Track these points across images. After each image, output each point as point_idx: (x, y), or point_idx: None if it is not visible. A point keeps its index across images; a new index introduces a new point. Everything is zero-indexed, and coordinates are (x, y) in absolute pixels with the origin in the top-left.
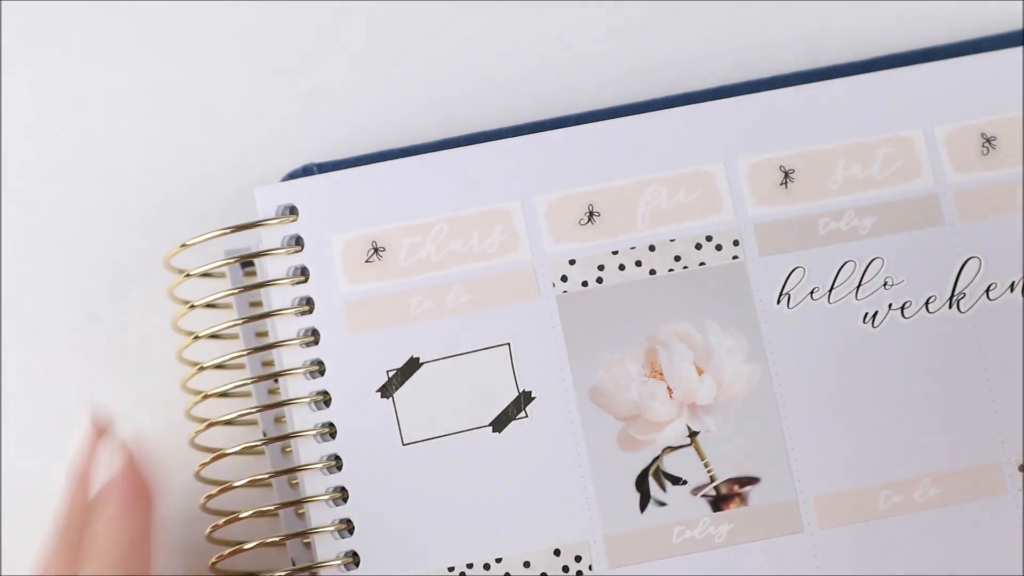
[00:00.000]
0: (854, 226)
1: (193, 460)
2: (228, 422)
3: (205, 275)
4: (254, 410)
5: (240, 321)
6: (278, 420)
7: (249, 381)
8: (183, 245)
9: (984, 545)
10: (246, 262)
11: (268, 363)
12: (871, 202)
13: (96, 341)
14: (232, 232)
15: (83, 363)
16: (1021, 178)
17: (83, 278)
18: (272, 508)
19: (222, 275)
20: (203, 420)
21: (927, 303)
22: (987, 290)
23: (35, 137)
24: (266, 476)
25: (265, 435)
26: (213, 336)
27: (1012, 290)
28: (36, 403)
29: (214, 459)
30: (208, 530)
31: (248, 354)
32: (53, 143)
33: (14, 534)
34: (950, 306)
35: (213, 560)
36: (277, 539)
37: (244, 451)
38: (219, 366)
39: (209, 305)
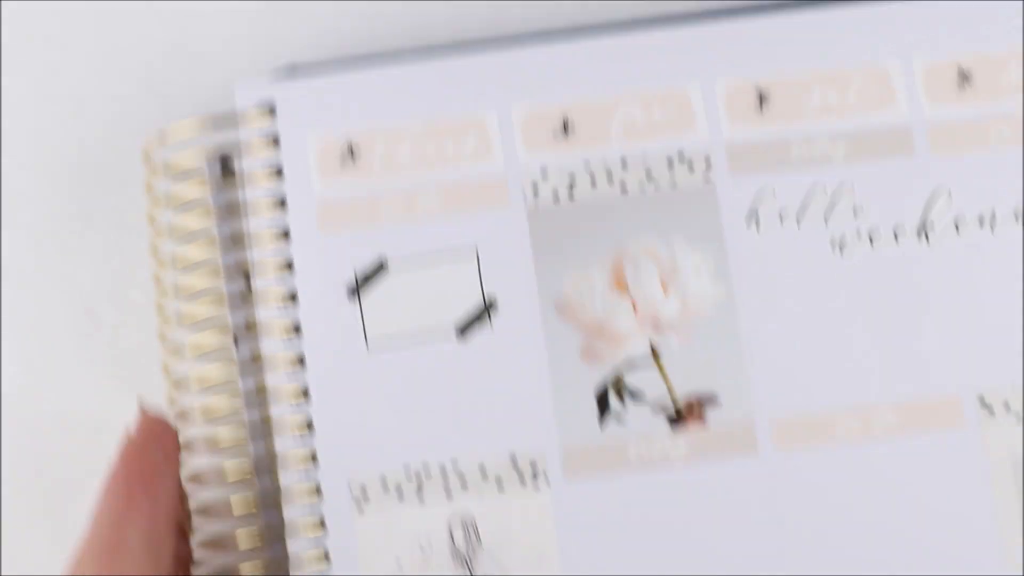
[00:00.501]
0: (827, 152)
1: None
2: (201, 346)
3: (183, 174)
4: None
5: (213, 215)
6: (249, 327)
7: (223, 275)
8: (161, 133)
9: (940, 477)
10: (226, 173)
11: (242, 266)
12: (845, 129)
13: (96, 341)
14: (211, 125)
15: (83, 363)
16: (994, 115)
17: (83, 278)
18: (239, 413)
19: (201, 182)
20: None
21: (895, 232)
22: (955, 223)
23: (35, 137)
24: (237, 398)
25: (236, 340)
26: (187, 238)
27: (981, 225)
28: (36, 403)
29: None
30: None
31: (222, 248)
32: (53, 143)
33: (14, 534)
34: (918, 237)
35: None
36: (247, 473)
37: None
38: (190, 261)
39: (184, 206)
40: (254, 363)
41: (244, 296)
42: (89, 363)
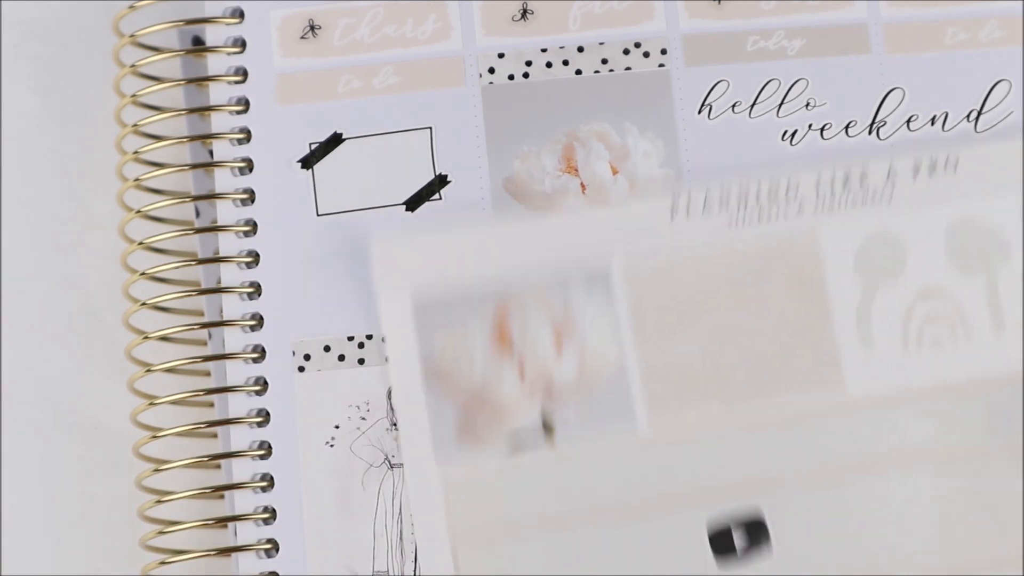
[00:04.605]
0: (782, 46)
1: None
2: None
3: (151, 48)
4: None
5: (181, 82)
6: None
7: (185, 140)
8: (131, 7)
9: None
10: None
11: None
12: (802, 24)
13: (96, 341)
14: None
15: (83, 363)
16: (949, 17)
17: (83, 278)
18: (195, 281)
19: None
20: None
21: (847, 127)
22: (908, 121)
23: (35, 137)
24: (192, 238)
25: (197, 213)
26: (153, 110)
27: (933, 124)
28: (36, 402)
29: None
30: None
31: (186, 114)
32: (53, 143)
33: (14, 534)
34: (869, 132)
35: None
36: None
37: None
38: (155, 137)
39: (152, 77)
40: (213, 233)
41: (207, 171)
42: (89, 363)
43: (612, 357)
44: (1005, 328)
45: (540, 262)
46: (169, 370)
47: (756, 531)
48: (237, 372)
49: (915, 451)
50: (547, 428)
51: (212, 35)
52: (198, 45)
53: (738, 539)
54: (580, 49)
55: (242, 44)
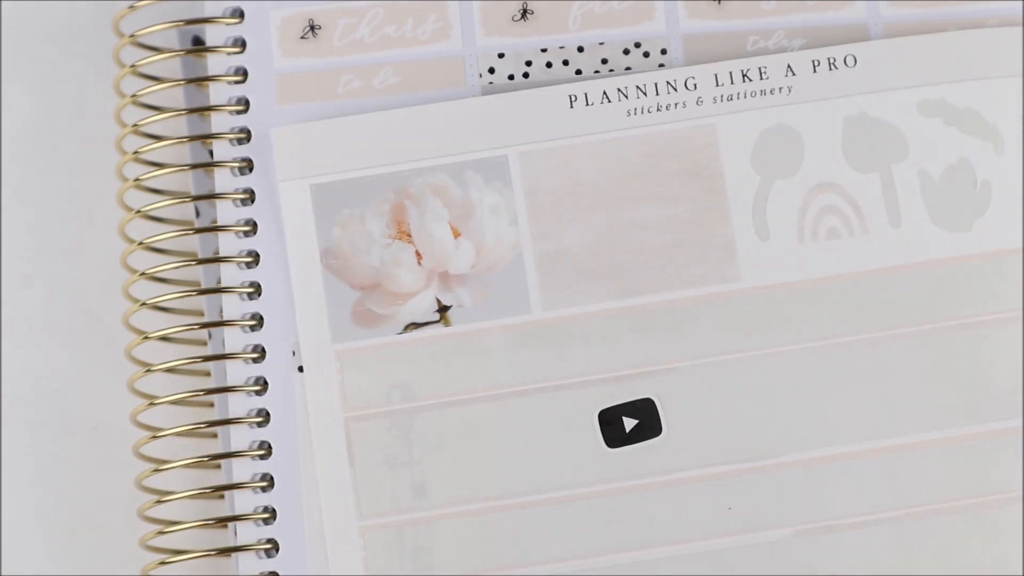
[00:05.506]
0: (783, 46)
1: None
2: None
3: (151, 48)
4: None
5: (181, 82)
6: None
7: (185, 140)
8: (131, 7)
9: None
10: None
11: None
12: (802, 24)
13: (96, 341)
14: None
15: (83, 363)
16: (946, 17)
17: (83, 278)
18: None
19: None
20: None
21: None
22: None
23: (35, 137)
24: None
25: (197, 213)
26: (153, 110)
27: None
28: (36, 403)
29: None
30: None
31: (186, 114)
32: (53, 143)
33: (14, 534)
34: None
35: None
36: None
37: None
38: (156, 137)
39: (152, 77)
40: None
41: (207, 171)
42: (89, 363)
43: (509, 246)
44: (901, 224)
45: (438, 149)
46: (169, 370)
47: (645, 412)
48: (237, 372)
49: (808, 340)
50: (442, 309)
51: (212, 35)
52: (198, 45)
53: (627, 419)
54: (580, 49)
55: (242, 44)
